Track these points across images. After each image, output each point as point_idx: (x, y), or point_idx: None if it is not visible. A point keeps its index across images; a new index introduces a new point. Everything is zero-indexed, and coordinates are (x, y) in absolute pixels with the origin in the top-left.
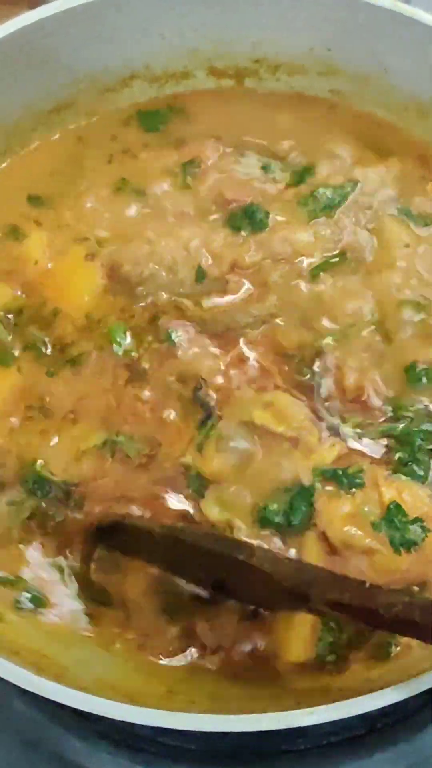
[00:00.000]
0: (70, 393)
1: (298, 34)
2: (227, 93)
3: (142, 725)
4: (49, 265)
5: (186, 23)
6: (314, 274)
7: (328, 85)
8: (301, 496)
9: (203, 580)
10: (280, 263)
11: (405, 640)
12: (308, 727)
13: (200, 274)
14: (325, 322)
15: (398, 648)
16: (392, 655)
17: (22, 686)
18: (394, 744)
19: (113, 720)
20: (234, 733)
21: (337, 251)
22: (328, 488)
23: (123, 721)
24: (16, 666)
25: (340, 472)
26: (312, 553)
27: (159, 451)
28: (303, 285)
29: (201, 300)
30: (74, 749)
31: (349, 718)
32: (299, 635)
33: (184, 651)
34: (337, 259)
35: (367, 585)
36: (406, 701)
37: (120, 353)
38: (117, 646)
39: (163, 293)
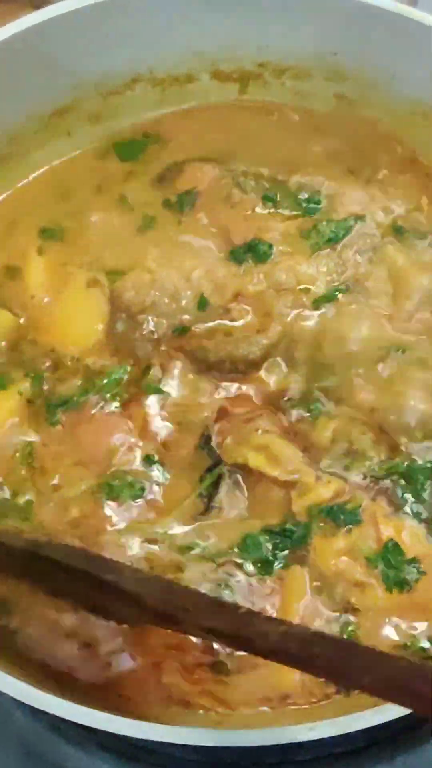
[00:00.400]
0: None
1: (304, 38)
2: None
3: None
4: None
5: (191, 27)
6: (315, 305)
7: (334, 89)
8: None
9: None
10: (284, 293)
11: None
12: None
13: (203, 303)
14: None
15: None
16: None
17: (21, 699)
18: (393, 757)
19: None
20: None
21: (339, 283)
22: (323, 525)
23: None
24: (16, 679)
25: (337, 509)
26: (294, 588)
27: None
28: (307, 316)
29: (203, 328)
30: (75, 760)
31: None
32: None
33: None
34: (339, 292)
35: (242, 611)
36: (408, 714)
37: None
38: None
39: (165, 321)
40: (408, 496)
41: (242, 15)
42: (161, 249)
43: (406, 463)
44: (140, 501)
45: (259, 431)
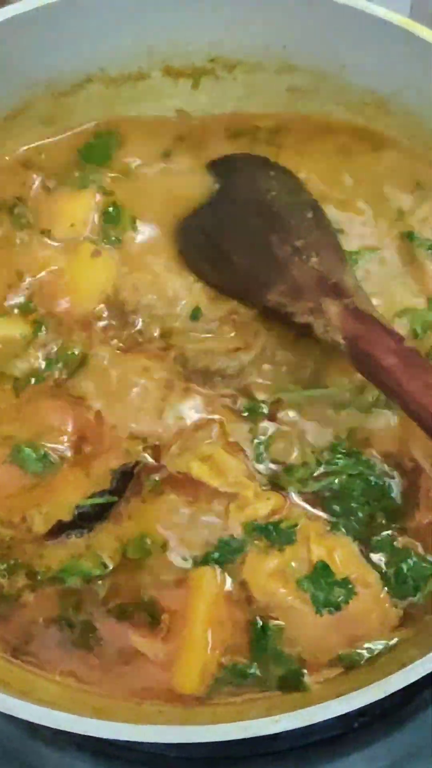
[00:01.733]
0: None
1: (254, 32)
2: None
3: None
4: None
5: (141, 24)
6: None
7: (286, 82)
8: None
9: None
10: (277, 318)
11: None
12: None
13: (196, 314)
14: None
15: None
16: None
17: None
18: (371, 743)
19: None
20: None
21: None
22: (258, 543)
23: None
24: None
25: (272, 527)
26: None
27: None
28: (291, 343)
29: (189, 337)
30: (53, 760)
31: None
32: (190, 667)
33: None
34: None
35: None
36: (382, 701)
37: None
38: None
39: (154, 324)
40: (342, 513)
41: (191, 11)
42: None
43: (337, 480)
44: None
45: (208, 441)
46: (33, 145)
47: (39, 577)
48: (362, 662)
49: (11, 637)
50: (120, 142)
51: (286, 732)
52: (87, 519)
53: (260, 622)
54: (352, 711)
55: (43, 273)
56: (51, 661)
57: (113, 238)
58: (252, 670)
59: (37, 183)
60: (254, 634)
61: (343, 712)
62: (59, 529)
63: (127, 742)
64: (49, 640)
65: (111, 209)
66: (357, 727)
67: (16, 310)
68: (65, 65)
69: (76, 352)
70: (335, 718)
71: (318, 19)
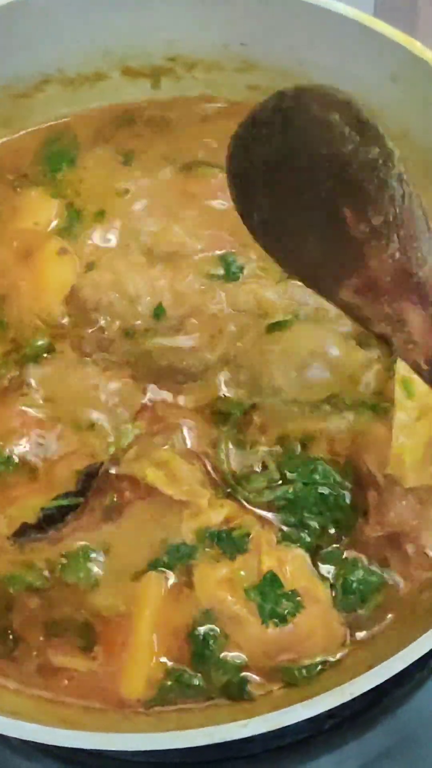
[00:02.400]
0: None
1: (212, 30)
2: None
3: None
4: None
5: (98, 26)
6: (269, 331)
7: (246, 81)
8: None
9: None
10: (241, 315)
11: None
12: None
13: (159, 312)
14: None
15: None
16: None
17: None
18: (341, 745)
19: None
20: None
21: (296, 313)
22: (210, 550)
23: None
24: None
25: (224, 535)
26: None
27: None
28: (256, 340)
29: (152, 335)
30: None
31: None
32: (135, 672)
33: None
34: (292, 317)
35: None
36: (351, 703)
37: None
38: None
39: (116, 322)
40: (295, 523)
41: (148, 10)
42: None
43: (291, 490)
44: None
45: (165, 446)
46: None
47: None
48: (303, 678)
49: None
50: (78, 139)
51: (258, 734)
52: (52, 521)
53: (201, 631)
54: (321, 713)
55: (5, 272)
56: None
57: (75, 236)
58: (195, 679)
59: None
60: (196, 642)
61: (310, 716)
62: (23, 532)
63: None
64: None
65: (73, 207)
66: (327, 728)
67: None
68: (22, 67)
69: (38, 344)
70: (306, 720)
71: (277, 16)
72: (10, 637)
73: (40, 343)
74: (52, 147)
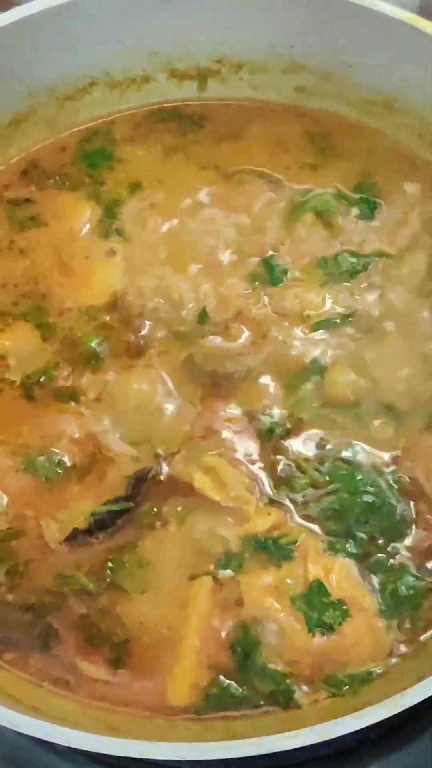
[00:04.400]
0: None
1: (259, 31)
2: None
3: None
4: None
5: (144, 28)
6: (314, 328)
7: (292, 82)
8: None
9: None
10: (285, 319)
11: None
12: None
13: (203, 317)
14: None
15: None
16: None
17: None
18: (387, 754)
19: None
20: None
21: (343, 315)
22: (257, 557)
23: None
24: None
25: (271, 542)
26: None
27: None
28: (299, 346)
29: (197, 340)
30: None
31: None
32: (182, 679)
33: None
34: (340, 319)
35: None
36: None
37: None
38: None
39: (160, 329)
40: (341, 533)
41: (194, 12)
42: (177, 257)
43: (337, 500)
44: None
45: (212, 452)
46: (38, 147)
47: (18, 579)
48: (349, 687)
49: None
50: (115, 136)
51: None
52: (102, 526)
53: (245, 641)
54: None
55: (49, 275)
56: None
57: (119, 238)
58: (240, 689)
59: (42, 184)
60: (239, 652)
61: (360, 727)
62: (74, 536)
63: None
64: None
65: (113, 208)
66: (374, 738)
67: (22, 317)
68: (68, 70)
69: (84, 351)
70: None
71: (324, 17)
72: (51, 637)
73: (94, 344)
74: (89, 145)
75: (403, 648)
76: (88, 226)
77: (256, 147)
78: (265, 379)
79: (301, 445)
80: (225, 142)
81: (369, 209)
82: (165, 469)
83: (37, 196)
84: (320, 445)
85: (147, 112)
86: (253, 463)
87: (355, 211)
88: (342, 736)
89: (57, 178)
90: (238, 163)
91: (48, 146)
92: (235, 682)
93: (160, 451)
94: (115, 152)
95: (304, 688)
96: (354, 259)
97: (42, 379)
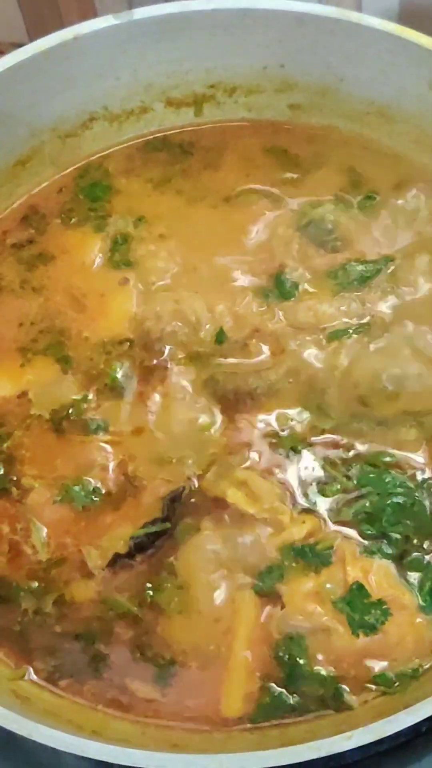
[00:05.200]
0: None
1: (250, 55)
2: None
3: None
4: None
5: (139, 62)
6: (330, 339)
7: (286, 100)
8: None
9: None
10: (301, 332)
11: None
12: None
13: (221, 337)
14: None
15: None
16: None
17: (66, 750)
18: None
19: None
20: None
21: (358, 324)
22: (295, 565)
23: None
24: (57, 731)
25: (308, 549)
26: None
27: None
28: (318, 355)
29: (217, 360)
30: None
31: None
32: (234, 691)
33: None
34: (353, 330)
35: None
36: None
37: None
38: None
39: (180, 350)
40: (375, 535)
41: (187, 42)
42: (190, 279)
43: (368, 503)
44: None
45: (242, 466)
46: (37, 190)
47: (65, 609)
48: (397, 684)
49: (43, 665)
50: (108, 168)
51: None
52: (142, 548)
53: (289, 649)
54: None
55: (64, 310)
56: (92, 691)
57: (130, 267)
58: (290, 697)
59: (42, 229)
60: (284, 661)
61: (413, 723)
62: (115, 561)
63: None
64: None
65: (119, 238)
66: (424, 731)
67: (42, 352)
68: (68, 108)
69: (109, 381)
70: None
71: (312, 35)
72: (101, 661)
73: (118, 373)
74: (84, 181)
75: None
76: (99, 257)
77: (239, 168)
78: (288, 392)
79: (329, 453)
80: (211, 167)
81: (369, 206)
82: (198, 487)
83: (38, 237)
84: (347, 450)
85: (140, 144)
86: (283, 474)
87: (355, 213)
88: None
89: (62, 216)
90: (232, 184)
91: (45, 189)
92: (286, 690)
93: (191, 470)
94: (112, 185)
95: (354, 690)
96: (362, 267)
97: (70, 412)
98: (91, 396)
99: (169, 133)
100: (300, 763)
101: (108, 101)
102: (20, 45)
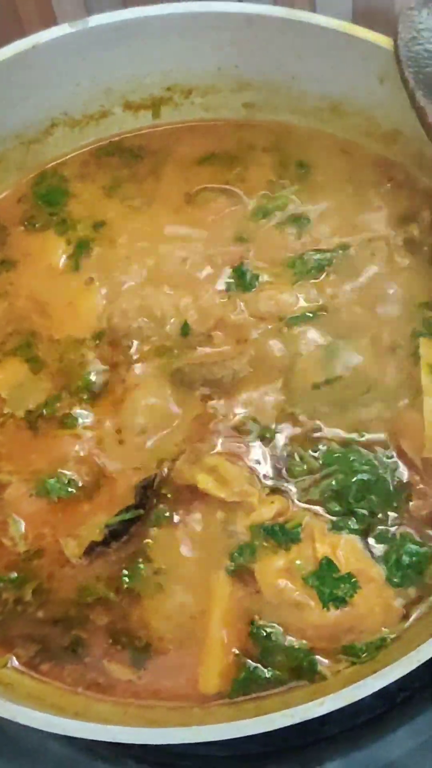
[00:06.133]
0: None
1: (204, 57)
2: None
3: None
4: None
5: (97, 68)
6: (290, 324)
7: (241, 99)
8: (240, 554)
9: None
10: (263, 321)
11: None
12: (329, 714)
13: (185, 330)
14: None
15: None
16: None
17: (48, 730)
18: (416, 716)
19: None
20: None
21: (316, 309)
22: (266, 544)
23: None
24: (40, 713)
25: (278, 528)
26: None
27: None
28: (279, 344)
29: (182, 352)
30: None
31: (367, 698)
32: (211, 668)
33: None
34: (312, 314)
35: None
36: (420, 674)
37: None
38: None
39: (147, 345)
40: (342, 512)
41: (141, 46)
42: (154, 276)
43: (334, 482)
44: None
45: (213, 451)
46: (2, 195)
47: (45, 596)
48: (367, 654)
49: (24, 651)
50: (63, 174)
51: (334, 716)
52: (117, 535)
53: (262, 625)
54: (392, 686)
55: (32, 312)
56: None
57: (95, 267)
58: (265, 671)
59: (7, 234)
60: (259, 636)
61: (381, 686)
62: (92, 550)
63: (181, 747)
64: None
65: (81, 240)
66: (399, 702)
67: (11, 354)
68: (30, 115)
69: (81, 378)
70: (378, 696)
71: (263, 36)
72: (80, 645)
73: (88, 370)
74: (41, 188)
75: (413, 612)
76: (64, 259)
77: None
78: (252, 379)
79: (295, 435)
80: (161, 169)
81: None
82: (168, 474)
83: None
84: (312, 432)
85: (93, 149)
86: (251, 457)
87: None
88: (368, 703)
89: (25, 223)
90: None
91: (4, 200)
92: (261, 664)
93: (162, 458)
94: (69, 189)
95: (326, 660)
96: (318, 256)
97: (44, 412)
98: (62, 394)
99: (123, 137)
100: (281, 740)
101: (69, 107)
102: None
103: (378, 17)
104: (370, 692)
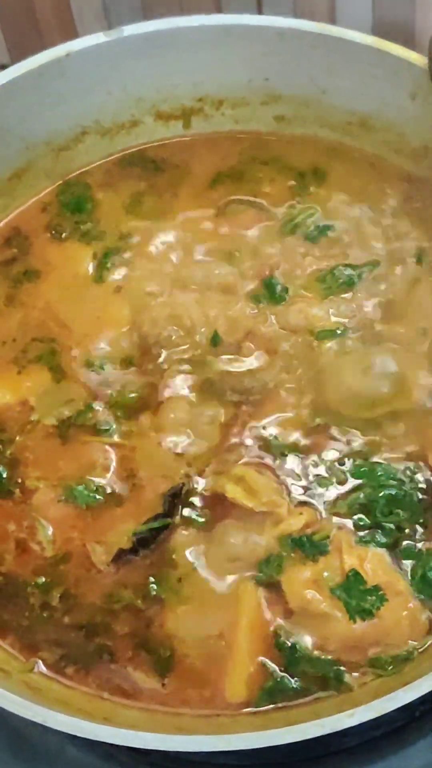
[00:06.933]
0: None
1: (235, 69)
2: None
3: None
4: None
5: (129, 77)
6: (320, 338)
7: (272, 112)
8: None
9: None
10: (293, 334)
11: None
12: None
13: (216, 340)
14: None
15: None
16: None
17: (79, 734)
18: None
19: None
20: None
21: (346, 326)
22: (294, 555)
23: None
24: (70, 717)
25: (306, 540)
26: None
27: None
28: (309, 356)
29: (212, 362)
30: None
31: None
32: (237, 677)
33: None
34: (342, 329)
35: None
36: None
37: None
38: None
39: (177, 354)
40: (370, 525)
41: (173, 56)
42: (184, 286)
43: (362, 496)
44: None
45: (241, 461)
46: (27, 205)
47: (72, 602)
48: (393, 667)
49: (49, 654)
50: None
51: (355, 728)
52: (145, 543)
53: (288, 636)
54: (413, 700)
55: (58, 320)
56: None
57: (123, 275)
58: (292, 681)
59: (25, 249)
60: (284, 647)
61: (412, 699)
62: (119, 557)
63: (207, 755)
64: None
65: (108, 249)
66: (419, 715)
67: (36, 361)
68: (61, 122)
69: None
70: (398, 709)
71: (295, 49)
72: (105, 651)
73: (117, 378)
74: (66, 196)
75: None
76: (91, 268)
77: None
78: (282, 391)
79: (323, 448)
80: (185, 179)
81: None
82: (197, 483)
83: (21, 256)
84: (341, 445)
85: (116, 159)
86: (279, 468)
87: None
88: (387, 716)
89: (52, 232)
90: (213, 194)
91: (28, 210)
92: (288, 674)
93: (190, 468)
94: (95, 198)
95: (353, 673)
96: (349, 271)
97: (74, 419)
98: (92, 403)
99: (146, 147)
100: (303, 748)
101: (100, 115)
102: (1, 65)
103: (398, 29)
104: (400, 704)
